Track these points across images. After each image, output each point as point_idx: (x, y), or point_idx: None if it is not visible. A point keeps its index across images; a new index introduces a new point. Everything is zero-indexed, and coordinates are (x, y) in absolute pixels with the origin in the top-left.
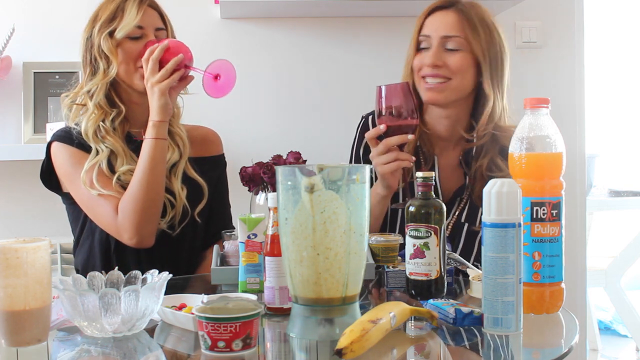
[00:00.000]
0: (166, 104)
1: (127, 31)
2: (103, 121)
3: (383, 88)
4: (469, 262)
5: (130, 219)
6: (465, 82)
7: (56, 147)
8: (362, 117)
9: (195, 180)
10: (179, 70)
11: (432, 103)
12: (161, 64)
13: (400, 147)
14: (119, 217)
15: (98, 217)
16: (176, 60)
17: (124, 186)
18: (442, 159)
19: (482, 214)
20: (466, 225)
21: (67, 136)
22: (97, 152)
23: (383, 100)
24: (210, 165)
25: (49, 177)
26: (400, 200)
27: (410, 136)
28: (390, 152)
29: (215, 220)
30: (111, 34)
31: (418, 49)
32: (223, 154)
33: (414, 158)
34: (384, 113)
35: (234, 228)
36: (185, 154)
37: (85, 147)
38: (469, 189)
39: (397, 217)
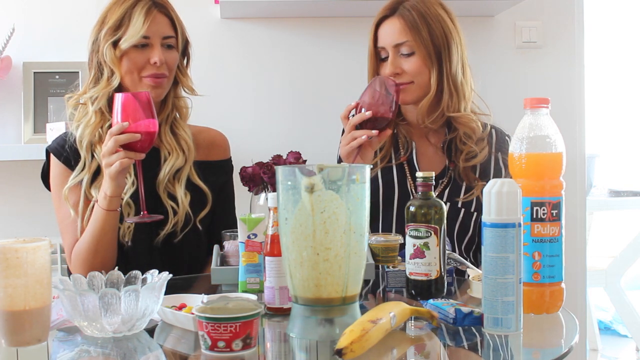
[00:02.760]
0: (119, 185)
1: (132, 42)
2: (101, 128)
3: (376, 78)
4: (452, 239)
5: (79, 272)
6: (427, 79)
7: (51, 157)
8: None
9: (199, 187)
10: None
11: (404, 104)
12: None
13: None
14: (72, 265)
15: (62, 243)
16: (136, 157)
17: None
18: (421, 146)
19: (465, 189)
20: (448, 204)
21: (58, 149)
22: (84, 165)
23: (369, 88)
24: (215, 169)
25: (48, 179)
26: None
27: (368, 113)
28: (350, 132)
29: (219, 227)
30: (115, 43)
31: (380, 59)
32: (230, 159)
33: (374, 132)
34: (364, 100)
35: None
36: (190, 159)
37: (72, 162)
38: (451, 171)
39: (393, 215)
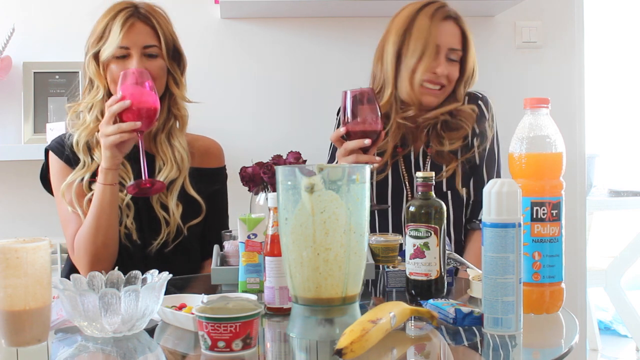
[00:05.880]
0: (114, 156)
1: (109, 53)
2: (97, 132)
3: (348, 93)
4: (449, 226)
5: (83, 259)
6: (452, 88)
7: (50, 156)
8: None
9: (192, 197)
10: (130, 132)
11: (428, 105)
12: (122, 116)
13: (365, 150)
14: (75, 252)
15: (65, 238)
16: (131, 127)
17: None
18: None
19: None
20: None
21: (59, 147)
22: (84, 165)
23: (348, 105)
24: (209, 177)
25: (47, 179)
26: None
27: (367, 141)
28: (350, 154)
29: (211, 236)
30: (96, 56)
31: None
32: (224, 167)
33: (378, 159)
34: (349, 118)
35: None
36: (184, 170)
37: (72, 162)
38: (429, 156)
39: (388, 216)
